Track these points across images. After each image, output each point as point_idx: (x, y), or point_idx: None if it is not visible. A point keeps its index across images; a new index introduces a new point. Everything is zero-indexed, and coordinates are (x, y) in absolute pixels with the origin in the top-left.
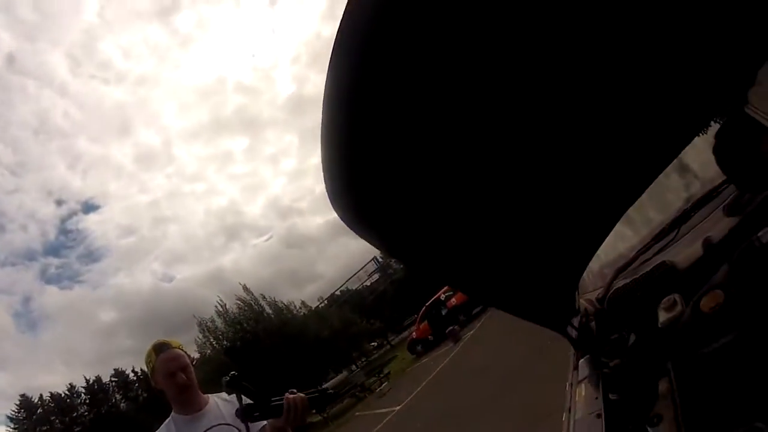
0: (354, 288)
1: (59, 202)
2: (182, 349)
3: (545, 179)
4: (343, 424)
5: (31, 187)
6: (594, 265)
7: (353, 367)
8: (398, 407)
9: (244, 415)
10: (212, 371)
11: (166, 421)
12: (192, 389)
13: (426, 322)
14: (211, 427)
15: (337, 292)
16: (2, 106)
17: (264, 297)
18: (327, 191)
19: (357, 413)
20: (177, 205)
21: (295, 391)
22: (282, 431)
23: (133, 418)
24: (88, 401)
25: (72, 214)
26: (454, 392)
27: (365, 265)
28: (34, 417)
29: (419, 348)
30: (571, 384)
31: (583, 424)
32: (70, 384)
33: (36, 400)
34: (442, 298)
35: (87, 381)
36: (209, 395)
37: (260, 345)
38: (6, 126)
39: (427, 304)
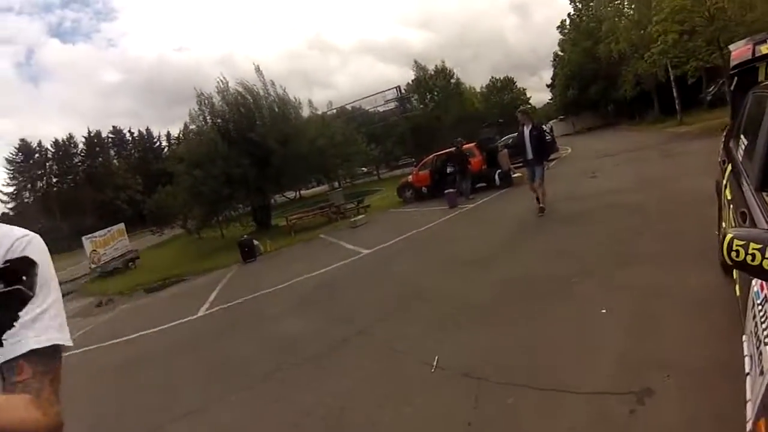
0: (366, 109)
1: None
2: None
3: None
4: (307, 241)
5: None
6: None
7: (336, 184)
8: (365, 251)
9: None
10: (203, 147)
11: None
12: None
13: (428, 171)
14: None
15: (349, 107)
16: None
17: (273, 84)
18: None
19: (321, 235)
20: None
21: None
22: None
23: (122, 176)
24: (84, 152)
25: None
26: (425, 261)
27: (385, 90)
28: (31, 161)
29: (409, 193)
30: None
31: None
32: (69, 134)
33: (35, 146)
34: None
35: (89, 132)
36: None
37: (253, 132)
38: None
39: (437, 154)
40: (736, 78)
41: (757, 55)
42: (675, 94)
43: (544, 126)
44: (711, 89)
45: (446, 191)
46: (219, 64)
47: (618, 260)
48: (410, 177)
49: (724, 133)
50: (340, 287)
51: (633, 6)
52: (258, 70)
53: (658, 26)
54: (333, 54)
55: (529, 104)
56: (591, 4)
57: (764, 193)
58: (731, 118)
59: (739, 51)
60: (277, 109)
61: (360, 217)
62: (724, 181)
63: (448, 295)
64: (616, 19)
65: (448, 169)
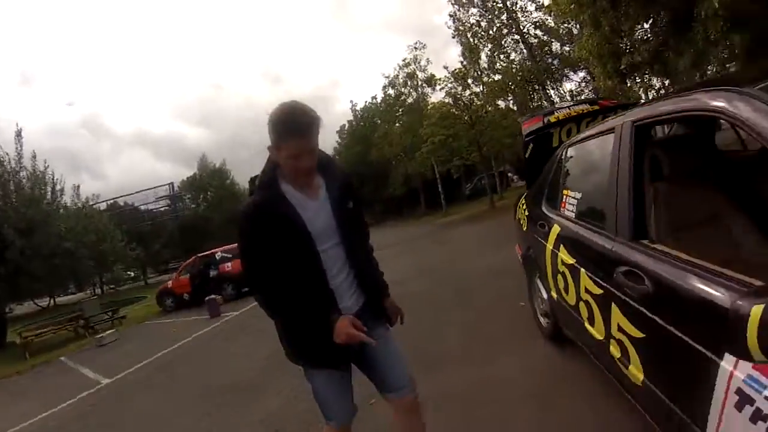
0: (137, 206)
1: None
2: None
3: None
4: (43, 364)
5: None
6: None
7: (97, 290)
8: (106, 381)
9: None
10: None
11: None
12: None
13: (188, 276)
14: None
15: (121, 201)
16: None
17: (34, 157)
18: None
19: (62, 357)
20: None
21: None
22: None
23: None
24: None
25: None
26: (176, 392)
27: (157, 186)
28: None
29: (169, 302)
30: None
31: None
32: None
33: None
34: (217, 257)
35: None
36: None
37: None
38: None
39: (198, 255)
40: (531, 145)
41: (546, 123)
42: (440, 189)
43: None
44: (469, 184)
45: (207, 298)
46: None
47: (425, 360)
48: (170, 282)
49: (521, 202)
50: None
51: (405, 114)
52: (19, 134)
53: (428, 129)
54: (107, 139)
55: None
56: (371, 110)
57: (644, 241)
58: (529, 185)
59: (530, 122)
60: (27, 189)
61: (109, 332)
62: (549, 247)
63: None
64: (387, 126)
65: (211, 273)
